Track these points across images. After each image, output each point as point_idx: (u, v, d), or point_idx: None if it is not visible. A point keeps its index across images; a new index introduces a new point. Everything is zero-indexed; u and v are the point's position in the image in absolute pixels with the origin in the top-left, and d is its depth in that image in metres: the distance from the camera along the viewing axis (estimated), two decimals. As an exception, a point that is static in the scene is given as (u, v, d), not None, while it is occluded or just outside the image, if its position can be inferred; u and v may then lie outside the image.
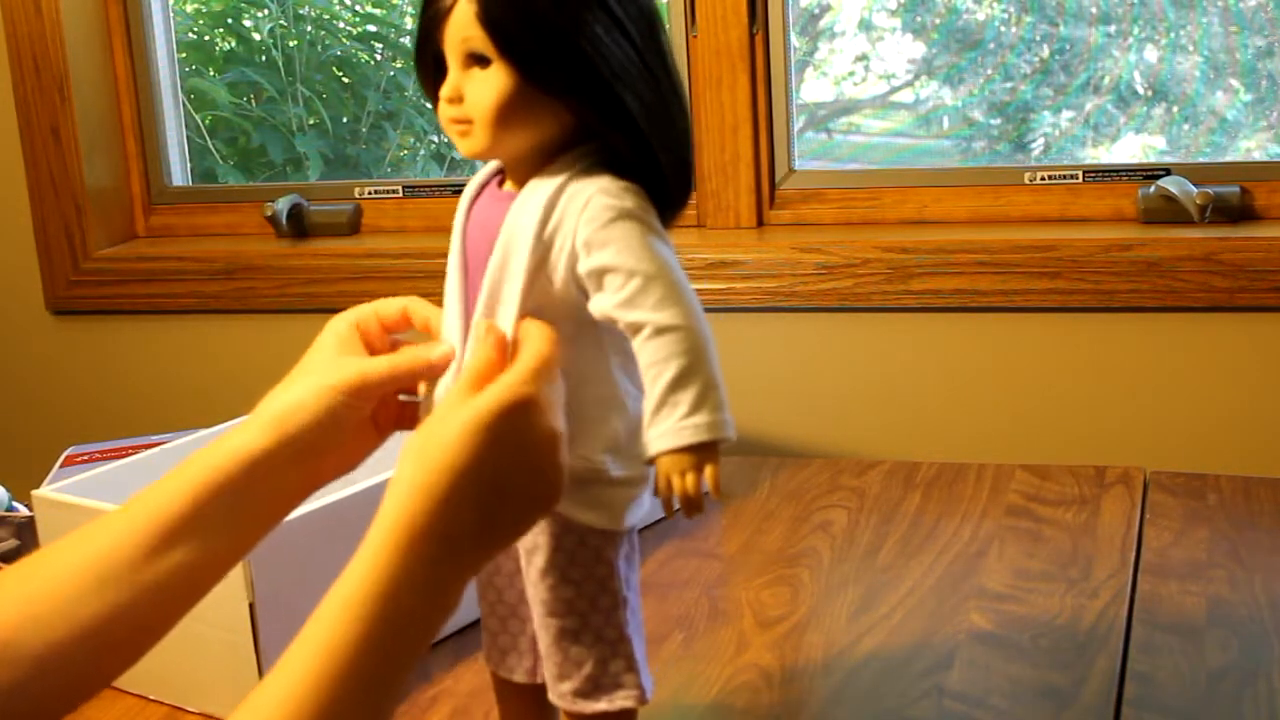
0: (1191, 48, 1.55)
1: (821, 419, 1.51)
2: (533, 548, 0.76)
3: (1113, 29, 1.58)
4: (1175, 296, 1.36)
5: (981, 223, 1.49)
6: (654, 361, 0.69)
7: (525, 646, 0.81)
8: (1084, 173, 1.47)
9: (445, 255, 0.77)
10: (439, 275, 0.78)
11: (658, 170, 0.72)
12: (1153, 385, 1.39)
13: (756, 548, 1.21)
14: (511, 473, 0.69)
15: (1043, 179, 1.48)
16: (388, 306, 0.81)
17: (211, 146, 1.99)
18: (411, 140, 2.10)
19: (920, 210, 1.52)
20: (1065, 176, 1.47)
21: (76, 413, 1.80)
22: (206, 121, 1.98)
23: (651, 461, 0.70)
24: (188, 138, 1.83)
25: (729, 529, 1.26)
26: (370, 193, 1.72)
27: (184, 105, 1.83)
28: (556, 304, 0.72)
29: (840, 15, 1.70)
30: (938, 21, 1.66)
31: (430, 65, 0.73)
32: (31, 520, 1.16)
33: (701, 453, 0.69)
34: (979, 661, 0.98)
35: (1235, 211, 1.40)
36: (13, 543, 1.22)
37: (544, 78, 0.70)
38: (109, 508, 0.89)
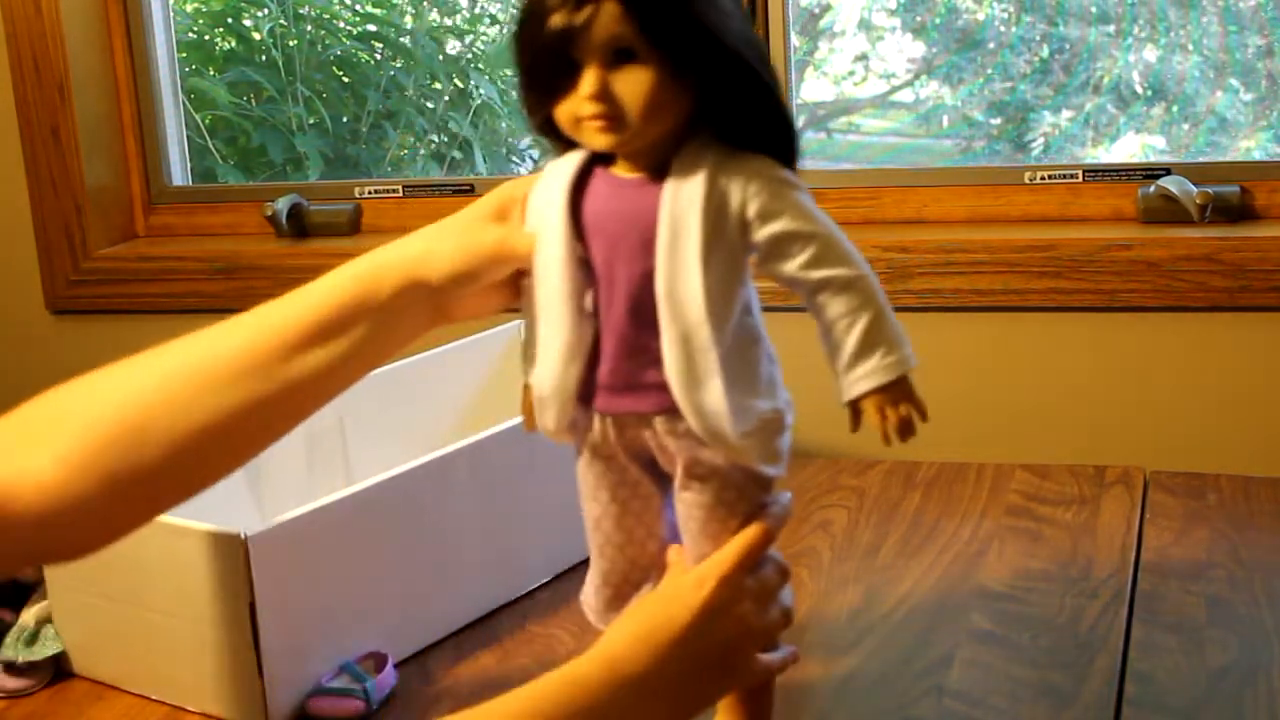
0: (1190, 47, 1.55)
1: (821, 419, 1.50)
2: (692, 503, 0.80)
3: (1111, 28, 1.58)
4: (1175, 296, 1.36)
5: (981, 222, 1.49)
6: (849, 310, 0.76)
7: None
8: (1084, 172, 1.47)
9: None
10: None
11: (785, 138, 0.78)
12: (1153, 385, 1.39)
13: (756, 547, 1.21)
14: (711, 653, 0.77)
15: (1042, 178, 1.48)
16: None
17: (211, 146, 1.99)
18: (411, 140, 2.10)
19: (920, 210, 1.52)
20: (1065, 176, 1.47)
21: (76, 412, 1.80)
22: (206, 121, 1.98)
23: (856, 402, 0.78)
24: (188, 137, 1.83)
25: (729, 529, 1.26)
26: (370, 192, 1.72)
27: (184, 105, 1.83)
28: (725, 275, 0.75)
29: (840, 14, 1.70)
30: (937, 21, 1.66)
31: (548, 75, 0.74)
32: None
33: (902, 384, 0.78)
34: (979, 661, 0.98)
35: (1235, 211, 1.40)
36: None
37: (692, 63, 0.73)
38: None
